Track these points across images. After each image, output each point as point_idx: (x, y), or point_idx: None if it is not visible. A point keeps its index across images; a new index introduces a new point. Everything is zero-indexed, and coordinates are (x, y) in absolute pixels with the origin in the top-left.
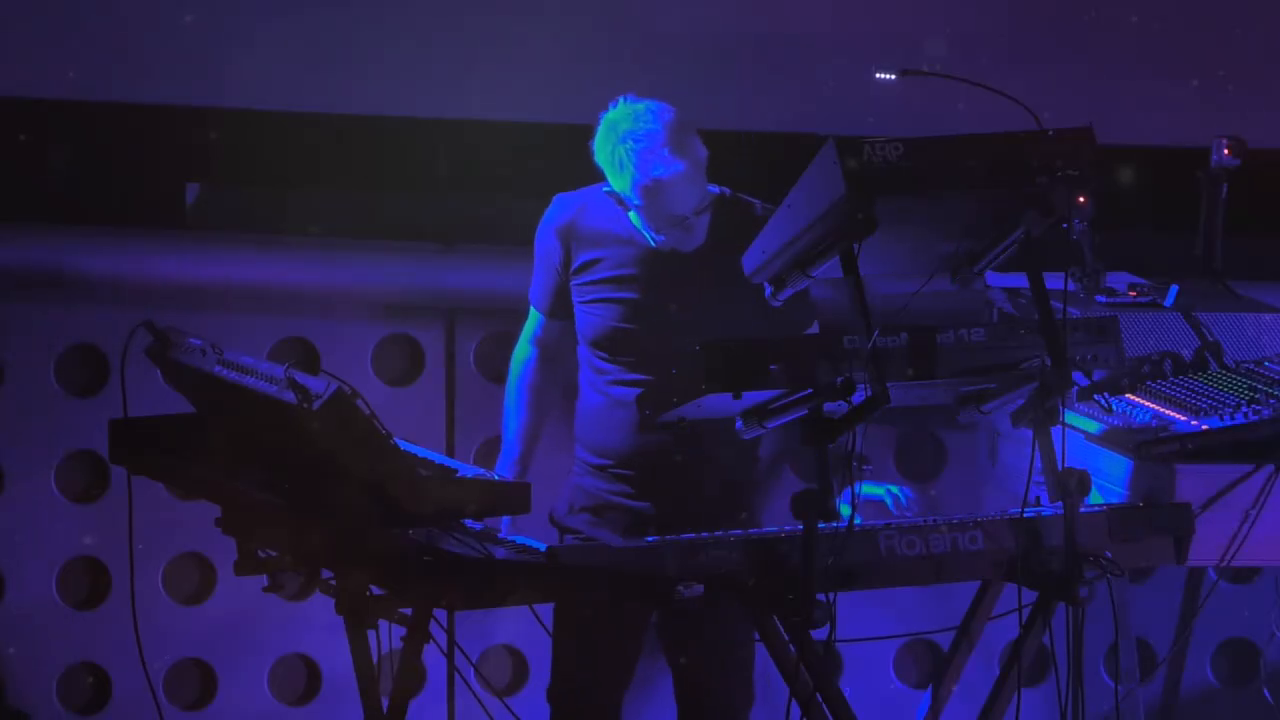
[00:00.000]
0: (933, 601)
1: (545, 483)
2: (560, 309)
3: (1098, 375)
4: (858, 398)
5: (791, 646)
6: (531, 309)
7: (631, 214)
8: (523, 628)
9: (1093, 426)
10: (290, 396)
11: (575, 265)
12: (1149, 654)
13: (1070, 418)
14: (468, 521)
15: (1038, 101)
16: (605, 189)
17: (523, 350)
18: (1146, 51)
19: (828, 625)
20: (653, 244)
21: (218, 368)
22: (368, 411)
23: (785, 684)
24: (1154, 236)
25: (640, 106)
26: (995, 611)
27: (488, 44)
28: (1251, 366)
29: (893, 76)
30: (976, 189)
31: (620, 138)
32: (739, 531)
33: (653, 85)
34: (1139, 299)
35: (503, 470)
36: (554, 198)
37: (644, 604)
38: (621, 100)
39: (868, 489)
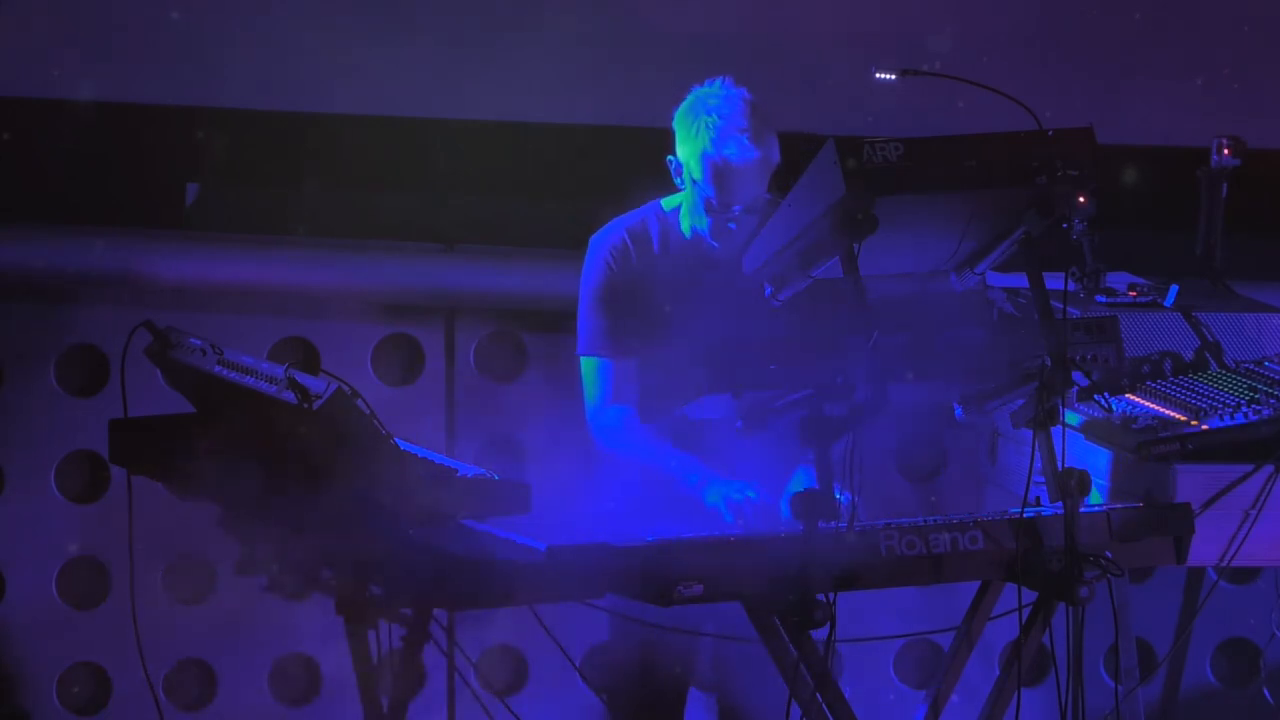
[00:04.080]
0: (933, 601)
1: (546, 483)
2: (630, 344)
3: (1097, 375)
4: (857, 398)
5: (791, 646)
6: (595, 361)
7: (682, 199)
8: (523, 628)
9: (1074, 419)
10: (290, 396)
11: (637, 283)
12: (1149, 654)
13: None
14: (468, 521)
15: (1038, 101)
16: (636, 217)
17: (612, 414)
18: (1147, 51)
19: (828, 625)
20: (686, 235)
21: (218, 368)
22: (368, 411)
23: (785, 684)
24: (1154, 236)
25: (735, 90)
26: (995, 611)
27: (488, 44)
28: (1251, 366)
29: (893, 76)
30: (976, 189)
31: (706, 109)
32: (739, 531)
33: (653, 85)
34: (1139, 299)
35: (701, 472)
36: (590, 239)
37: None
38: (719, 80)
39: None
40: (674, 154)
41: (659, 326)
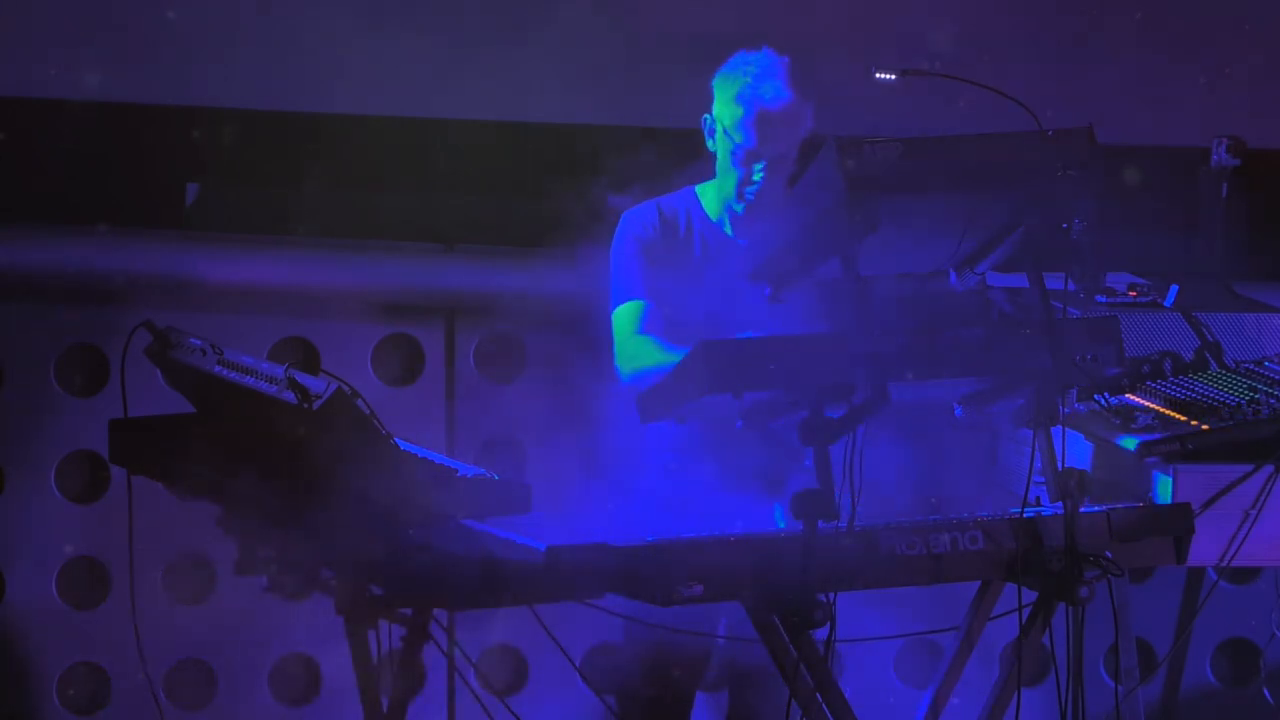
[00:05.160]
0: (933, 601)
1: (546, 483)
2: (663, 293)
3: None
4: (857, 398)
5: (791, 647)
6: (628, 305)
7: (711, 188)
8: (523, 628)
9: (1073, 418)
10: (290, 396)
11: (663, 255)
12: (1149, 654)
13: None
14: (468, 521)
15: (1038, 102)
16: (669, 198)
17: (637, 340)
18: (1147, 51)
19: (828, 625)
20: (713, 220)
21: (218, 368)
22: (368, 411)
23: (785, 684)
24: (1154, 236)
25: (773, 52)
26: (995, 611)
27: (488, 44)
28: (1251, 366)
29: (893, 76)
30: (976, 189)
31: (746, 61)
32: (739, 531)
33: (653, 85)
34: (1139, 299)
35: None
36: (623, 214)
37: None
38: (764, 47)
39: None
40: (710, 113)
41: (675, 306)
